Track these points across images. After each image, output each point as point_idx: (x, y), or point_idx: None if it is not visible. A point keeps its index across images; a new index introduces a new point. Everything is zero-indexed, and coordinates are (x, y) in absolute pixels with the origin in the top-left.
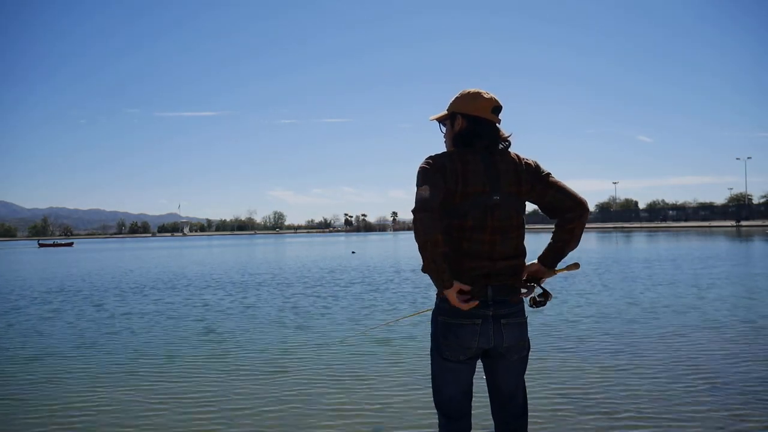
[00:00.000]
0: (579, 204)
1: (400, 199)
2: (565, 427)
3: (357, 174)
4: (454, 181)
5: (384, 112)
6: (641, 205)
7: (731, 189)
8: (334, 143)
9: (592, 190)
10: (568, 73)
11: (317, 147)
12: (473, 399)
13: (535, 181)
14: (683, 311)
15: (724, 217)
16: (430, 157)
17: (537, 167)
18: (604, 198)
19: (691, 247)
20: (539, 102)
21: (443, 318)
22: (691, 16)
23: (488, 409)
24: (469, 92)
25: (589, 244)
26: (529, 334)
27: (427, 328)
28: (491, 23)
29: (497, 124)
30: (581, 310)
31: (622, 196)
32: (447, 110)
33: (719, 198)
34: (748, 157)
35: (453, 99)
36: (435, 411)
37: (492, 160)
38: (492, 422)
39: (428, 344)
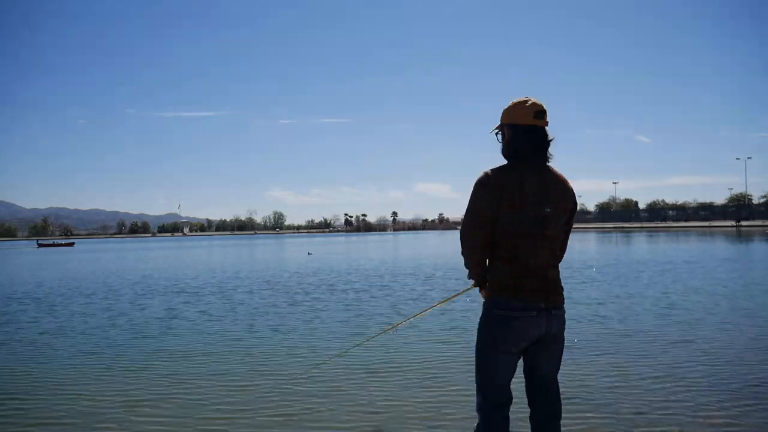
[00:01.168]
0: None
1: (400, 199)
2: (564, 426)
3: (356, 174)
4: (511, 194)
5: (382, 112)
6: (641, 205)
7: (731, 189)
8: (333, 143)
9: (592, 190)
10: (566, 73)
11: (316, 147)
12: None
13: (573, 208)
14: (683, 311)
15: (724, 217)
16: (487, 172)
17: (576, 200)
18: (604, 198)
19: (692, 249)
20: (541, 101)
21: (499, 312)
22: (690, 16)
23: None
24: (512, 103)
25: (589, 245)
26: None
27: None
28: (488, 22)
29: (545, 127)
30: (585, 309)
31: (622, 196)
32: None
33: (719, 198)
34: (748, 157)
35: (503, 111)
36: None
37: (542, 174)
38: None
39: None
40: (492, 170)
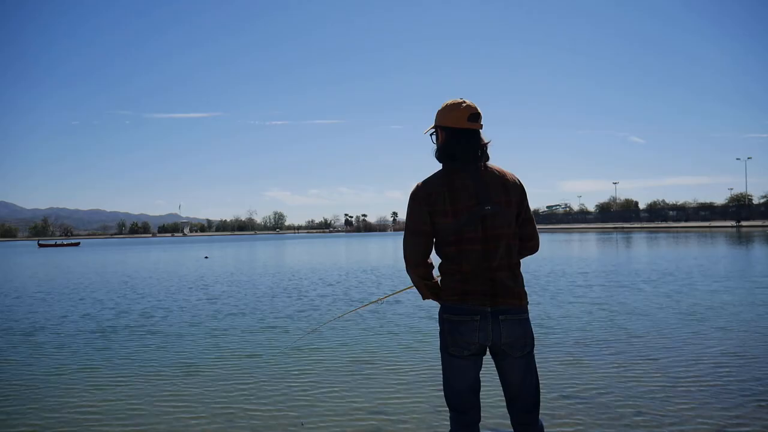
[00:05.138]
0: (533, 249)
1: (398, 199)
2: (564, 427)
3: (353, 174)
4: (443, 201)
5: (381, 112)
6: (641, 206)
7: (731, 189)
8: (328, 144)
9: (592, 190)
10: (566, 73)
11: (312, 148)
12: (485, 393)
13: (521, 198)
14: (683, 313)
15: (725, 218)
16: (419, 184)
17: (523, 188)
18: (604, 198)
19: (690, 252)
20: (534, 101)
21: (447, 316)
22: (690, 16)
23: (496, 402)
24: (446, 104)
25: (589, 246)
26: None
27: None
28: (482, 22)
29: (479, 131)
30: (587, 309)
31: (622, 196)
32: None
33: (719, 198)
34: (749, 157)
35: (436, 112)
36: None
37: (478, 174)
38: (497, 415)
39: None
40: (423, 181)
